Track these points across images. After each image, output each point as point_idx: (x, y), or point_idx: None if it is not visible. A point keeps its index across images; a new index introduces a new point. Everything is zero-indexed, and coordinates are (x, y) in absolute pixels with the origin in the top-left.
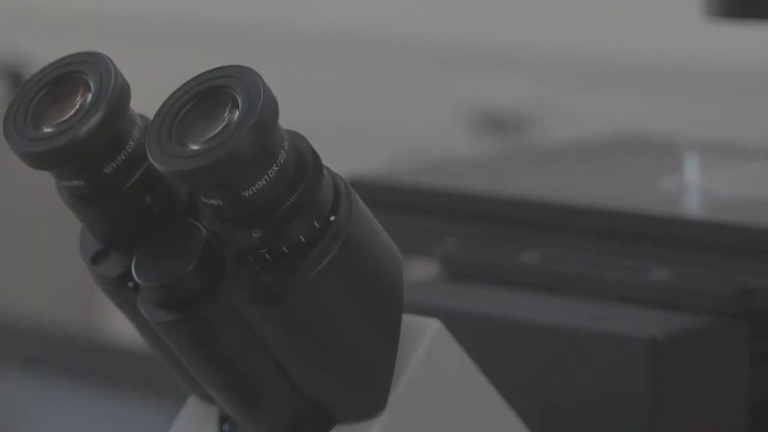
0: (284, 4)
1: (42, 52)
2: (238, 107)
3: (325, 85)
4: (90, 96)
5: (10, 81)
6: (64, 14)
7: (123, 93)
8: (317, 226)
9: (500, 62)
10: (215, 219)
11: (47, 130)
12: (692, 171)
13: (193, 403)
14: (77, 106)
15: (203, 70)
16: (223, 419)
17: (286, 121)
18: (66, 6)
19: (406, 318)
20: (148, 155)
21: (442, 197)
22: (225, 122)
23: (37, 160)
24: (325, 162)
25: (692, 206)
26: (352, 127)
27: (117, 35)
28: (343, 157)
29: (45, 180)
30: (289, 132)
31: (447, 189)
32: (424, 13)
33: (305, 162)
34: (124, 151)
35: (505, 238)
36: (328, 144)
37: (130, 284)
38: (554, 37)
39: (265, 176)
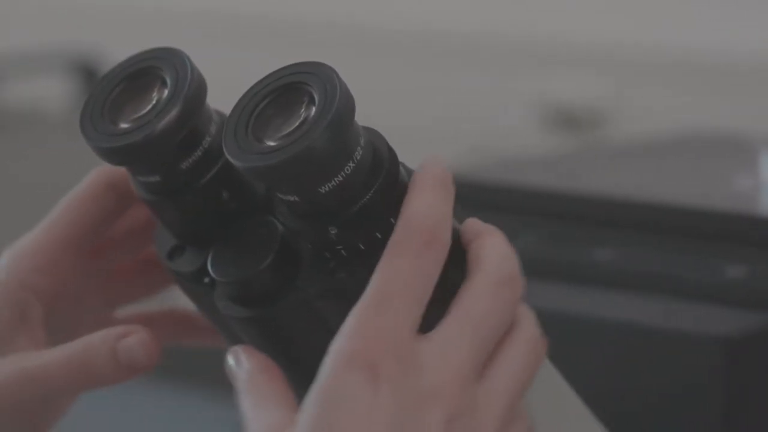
0: (364, 2)
1: (115, 48)
2: (314, 104)
3: (400, 83)
4: (166, 92)
5: (83, 76)
6: (136, 9)
7: (199, 88)
8: (393, 222)
9: (574, 59)
10: (291, 215)
11: (124, 125)
12: (767, 168)
13: None
14: (154, 102)
15: (272, 67)
16: None
17: (359, 117)
18: (139, 1)
19: None
20: (224, 151)
21: (516, 194)
22: (301, 118)
23: (114, 155)
24: (399, 159)
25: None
26: (426, 124)
27: (193, 30)
28: (418, 154)
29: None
30: (366, 129)
31: (521, 186)
32: (499, 10)
33: (381, 159)
34: (201, 147)
35: (578, 236)
36: (403, 141)
37: (206, 280)
38: (627, 35)
39: (342, 173)
